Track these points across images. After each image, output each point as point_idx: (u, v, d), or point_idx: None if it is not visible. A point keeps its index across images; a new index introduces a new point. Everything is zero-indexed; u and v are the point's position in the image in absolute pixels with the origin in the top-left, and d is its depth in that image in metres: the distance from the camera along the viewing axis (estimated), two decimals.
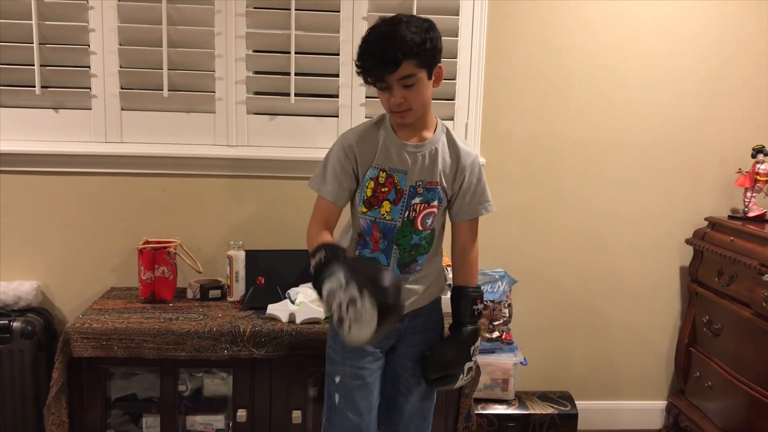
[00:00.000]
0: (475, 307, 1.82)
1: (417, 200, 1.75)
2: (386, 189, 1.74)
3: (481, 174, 1.83)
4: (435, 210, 1.78)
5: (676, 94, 2.77)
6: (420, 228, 1.77)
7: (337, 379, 1.82)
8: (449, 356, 1.80)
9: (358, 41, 2.55)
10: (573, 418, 2.63)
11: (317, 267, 1.56)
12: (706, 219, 2.78)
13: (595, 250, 2.85)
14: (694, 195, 2.85)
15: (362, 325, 1.43)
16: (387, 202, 1.74)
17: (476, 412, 2.49)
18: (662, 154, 2.81)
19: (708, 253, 2.66)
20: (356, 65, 1.67)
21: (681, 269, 2.90)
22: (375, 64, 1.62)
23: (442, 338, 1.91)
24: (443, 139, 1.79)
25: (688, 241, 2.80)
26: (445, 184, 1.78)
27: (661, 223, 2.86)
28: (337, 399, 1.82)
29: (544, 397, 2.72)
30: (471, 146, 1.89)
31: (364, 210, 1.76)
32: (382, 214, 1.75)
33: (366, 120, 1.82)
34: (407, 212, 1.75)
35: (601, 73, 2.73)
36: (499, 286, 2.61)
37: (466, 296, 1.82)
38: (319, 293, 1.52)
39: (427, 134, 1.77)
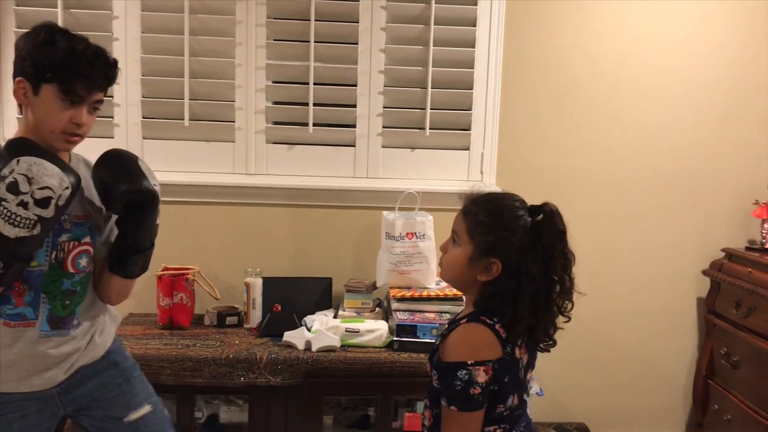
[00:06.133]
0: None
1: (64, 238, 1.51)
2: None
3: None
4: (89, 248, 1.56)
5: (691, 124, 2.78)
6: (72, 270, 1.52)
7: None
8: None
9: (376, 73, 2.64)
10: None
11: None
12: (723, 250, 2.77)
13: (611, 281, 2.84)
14: (710, 226, 2.84)
15: None
16: None
17: None
18: (678, 185, 2.81)
19: (725, 284, 2.64)
20: (52, 66, 1.41)
21: (698, 300, 2.88)
22: (90, 74, 1.43)
23: (134, 380, 1.71)
24: (81, 164, 1.59)
25: (705, 273, 2.79)
26: (95, 215, 1.58)
27: (677, 254, 2.85)
28: None
29: (560, 428, 2.69)
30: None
31: None
32: None
33: None
34: (54, 253, 1.50)
35: (618, 103, 2.75)
36: None
37: None
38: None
39: (64, 159, 1.51)
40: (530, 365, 1.48)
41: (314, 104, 2.62)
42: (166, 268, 2.47)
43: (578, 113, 2.75)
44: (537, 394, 2.60)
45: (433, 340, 2.20)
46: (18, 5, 2.51)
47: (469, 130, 2.71)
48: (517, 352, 1.39)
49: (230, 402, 2.35)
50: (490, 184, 2.71)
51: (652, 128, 2.78)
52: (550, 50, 2.71)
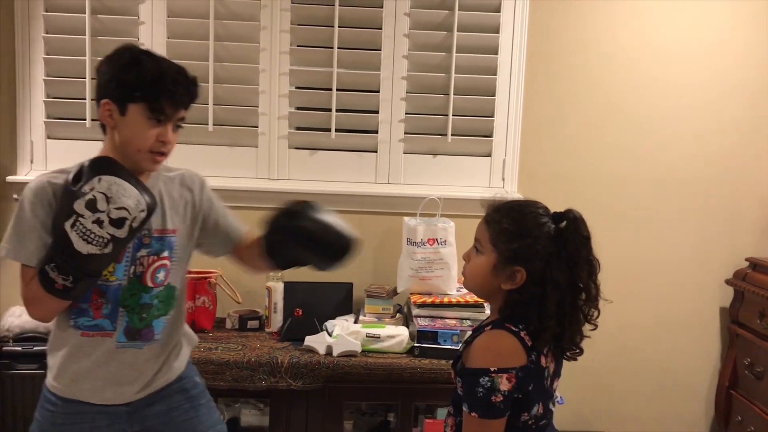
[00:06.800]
0: None
1: (144, 252, 1.53)
2: None
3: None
4: (167, 262, 1.57)
5: (715, 131, 2.76)
6: (150, 284, 1.54)
7: None
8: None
9: (398, 80, 2.64)
10: None
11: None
12: (747, 259, 2.74)
13: (633, 289, 2.82)
14: (734, 235, 2.82)
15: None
16: None
17: None
18: (701, 193, 2.79)
19: (749, 294, 2.62)
20: (140, 85, 1.43)
21: (721, 310, 2.85)
22: (175, 92, 1.46)
23: (201, 407, 1.69)
24: (161, 180, 1.60)
25: (728, 282, 2.76)
26: (180, 226, 1.60)
27: (700, 263, 2.82)
28: None
29: None
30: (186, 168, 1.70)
31: None
32: (105, 275, 1.48)
33: (56, 170, 1.49)
34: (133, 267, 1.52)
35: (641, 110, 2.74)
36: None
37: None
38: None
39: (143, 178, 1.51)
40: (556, 374, 1.48)
41: (337, 110, 2.64)
42: (188, 272, 2.48)
43: (601, 120, 2.74)
44: (558, 402, 2.58)
45: (453, 347, 2.21)
46: (47, 11, 2.55)
47: (491, 136, 2.71)
48: (542, 360, 1.38)
49: (251, 405, 2.36)
50: (511, 191, 2.70)
51: (677, 136, 2.76)
52: (573, 57, 2.70)
